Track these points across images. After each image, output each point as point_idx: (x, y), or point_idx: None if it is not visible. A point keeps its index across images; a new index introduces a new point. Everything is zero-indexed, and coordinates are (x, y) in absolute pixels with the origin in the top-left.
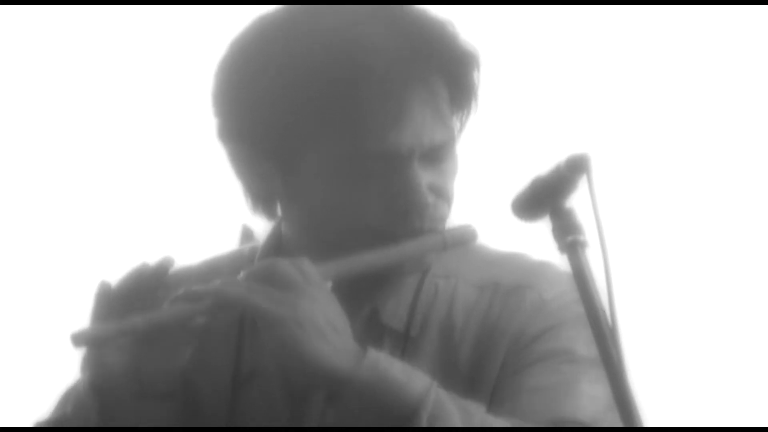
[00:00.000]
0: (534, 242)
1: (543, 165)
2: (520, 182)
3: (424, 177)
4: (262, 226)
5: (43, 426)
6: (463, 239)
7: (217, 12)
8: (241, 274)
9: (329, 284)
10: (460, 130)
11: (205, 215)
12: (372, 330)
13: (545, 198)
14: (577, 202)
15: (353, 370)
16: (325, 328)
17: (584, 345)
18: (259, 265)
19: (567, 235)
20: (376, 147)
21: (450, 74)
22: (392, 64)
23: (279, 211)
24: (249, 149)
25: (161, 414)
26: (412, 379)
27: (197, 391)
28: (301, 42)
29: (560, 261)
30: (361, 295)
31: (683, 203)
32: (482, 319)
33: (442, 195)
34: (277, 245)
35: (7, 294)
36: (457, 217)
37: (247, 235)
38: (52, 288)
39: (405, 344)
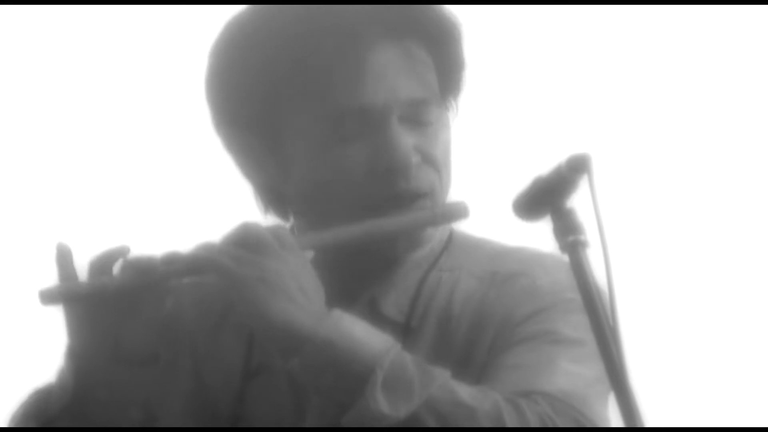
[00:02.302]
0: (534, 242)
1: (544, 165)
2: (520, 182)
3: (407, 137)
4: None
5: (38, 393)
6: (455, 215)
7: (217, 12)
8: (219, 238)
9: (310, 253)
10: (453, 105)
11: (206, 214)
12: (372, 320)
13: (546, 198)
14: (578, 202)
15: (314, 326)
16: (292, 290)
17: (570, 327)
18: (234, 228)
19: (568, 234)
20: (348, 103)
21: (433, 45)
22: (358, 22)
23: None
24: (239, 133)
25: (139, 379)
26: (373, 339)
27: (205, 383)
28: (279, 14)
29: None
30: (359, 283)
31: (683, 203)
32: (478, 306)
33: (429, 160)
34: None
35: (7, 291)
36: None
37: None
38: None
39: (405, 335)
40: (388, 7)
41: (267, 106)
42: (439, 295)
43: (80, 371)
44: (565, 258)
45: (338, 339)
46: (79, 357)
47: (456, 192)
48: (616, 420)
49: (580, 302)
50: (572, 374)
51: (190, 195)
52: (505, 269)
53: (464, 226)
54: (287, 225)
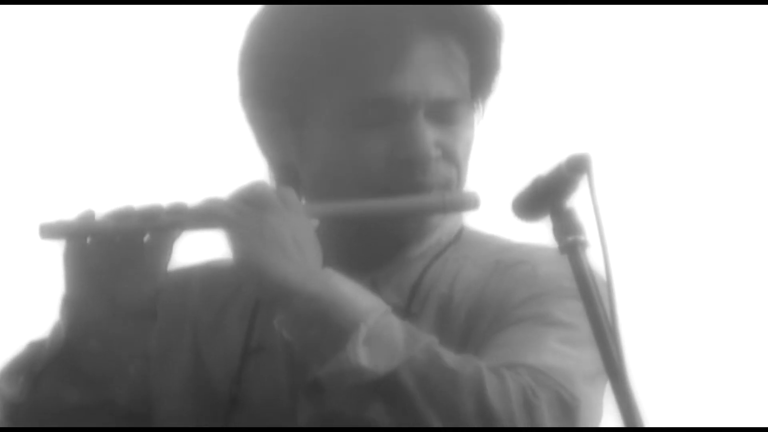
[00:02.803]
0: (535, 242)
1: (544, 165)
2: (520, 182)
3: (430, 132)
4: None
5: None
6: (464, 204)
7: (217, 12)
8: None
9: (315, 221)
10: (480, 106)
11: None
12: None
13: (546, 198)
14: (578, 202)
15: (304, 282)
16: (288, 246)
17: (563, 311)
18: (243, 185)
19: (568, 235)
20: (378, 91)
21: (471, 43)
22: (404, 13)
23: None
24: (263, 106)
25: (134, 333)
26: (361, 297)
27: (205, 360)
28: (318, 4)
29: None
30: (365, 264)
31: (683, 203)
32: (478, 293)
33: (450, 156)
34: None
35: (7, 288)
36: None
37: None
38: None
39: (404, 319)
40: (433, 4)
41: (297, 82)
42: (440, 281)
43: (75, 321)
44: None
45: (326, 293)
46: (75, 306)
47: (469, 163)
48: (614, 418)
49: (578, 290)
50: (559, 353)
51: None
52: (507, 258)
53: (471, 224)
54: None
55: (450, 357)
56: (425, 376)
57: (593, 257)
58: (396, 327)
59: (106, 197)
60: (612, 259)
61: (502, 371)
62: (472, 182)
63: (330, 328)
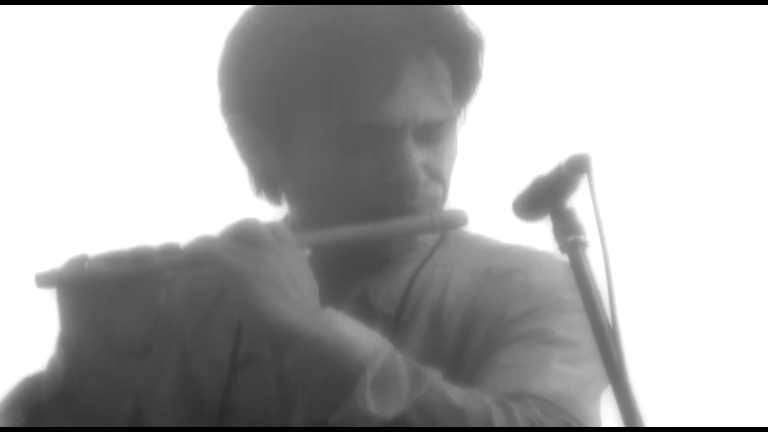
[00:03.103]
0: (535, 242)
1: (544, 165)
2: (520, 182)
3: (418, 154)
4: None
5: (27, 380)
6: (453, 222)
7: (217, 12)
8: (217, 232)
9: (307, 251)
10: (462, 114)
11: (208, 213)
12: (363, 314)
13: (546, 198)
14: (578, 202)
15: (306, 324)
16: (286, 285)
17: (564, 327)
18: (233, 222)
19: (568, 235)
20: (368, 118)
21: (453, 56)
22: (390, 36)
23: (282, 198)
24: (248, 120)
25: (130, 370)
26: (364, 338)
27: (193, 372)
28: (301, 15)
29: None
30: (351, 277)
31: (684, 203)
32: (471, 303)
33: (437, 176)
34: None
35: (7, 290)
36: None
37: None
38: None
39: (396, 328)
40: (414, 16)
41: (281, 101)
42: (431, 289)
43: (72, 361)
44: (562, 257)
45: (329, 336)
46: (72, 346)
47: (457, 192)
48: (614, 420)
49: (575, 302)
50: (563, 375)
51: (189, 194)
52: (500, 265)
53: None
54: (280, 211)
55: (456, 394)
56: (433, 416)
57: (593, 257)
58: (401, 367)
59: (106, 197)
60: (612, 259)
61: (510, 405)
62: (472, 183)
63: (335, 372)
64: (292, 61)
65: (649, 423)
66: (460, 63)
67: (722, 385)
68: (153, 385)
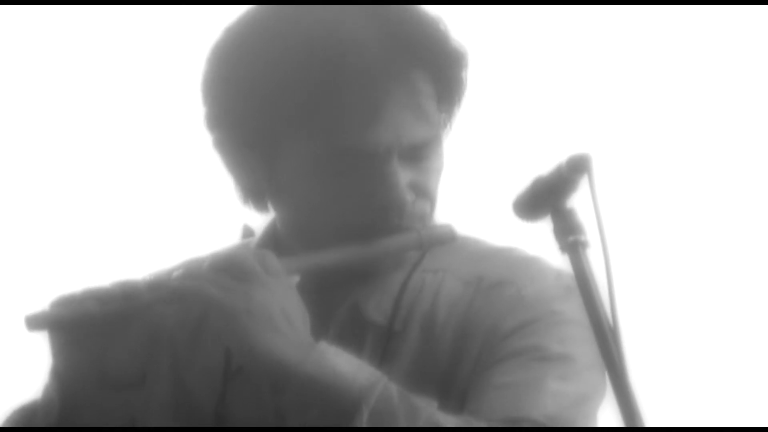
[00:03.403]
0: (535, 242)
1: (544, 165)
2: (521, 182)
3: (404, 175)
4: (261, 223)
5: (20, 412)
6: (440, 238)
7: (218, 12)
8: (204, 264)
9: (296, 278)
10: (447, 126)
11: (207, 214)
12: (354, 325)
13: (546, 198)
14: (578, 202)
15: (299, 362)
16: (278, 320)
17: (557, 342)
18: (221, 255)
19: (568, 235)
20: (353, 144)
21: (436, 71)
22: (372, 61)
23: (269, 206)
24: (234, 138)
25: (125, 402)
26: (358, 373)
27: (186, 385)
28: (287, 36)
29: (561, 261)
30: (342, 289)
31: (684, 203)
32: (463, 314)
33: (423, 193)
34: (273, 239)
35: (6, 295)
36: (457, 217)
37: (248, 234)
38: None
39: (388, 339)
40: (396, 37)
41: (265, 123)
42: (422, 298)
43: (66, 394)
44: (553, 262)
45: (323, 373)
46: (65, 380)
47: (457, 193)
48: (614, 420)
49: (568, 313)
50: (559, 395)
51: (189, 194)
52: (490, 275)
53: (460, 226)
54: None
55: (451, 424)
56: None
57: (594, 257)
58: (395, 400)
59: (106, 197)
60: (612, 259)
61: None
62: (473, 183)
63: (331, 410)
64: (276, 84)
65: (649, 423)
66: (443, 78)
67: (722, 385)
68: (147, 404)
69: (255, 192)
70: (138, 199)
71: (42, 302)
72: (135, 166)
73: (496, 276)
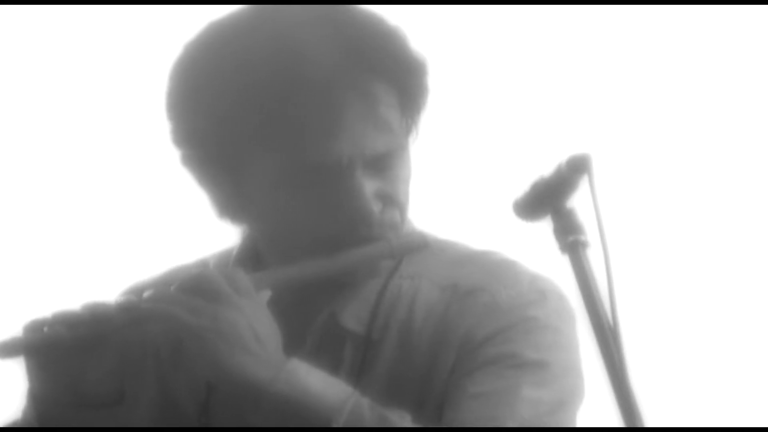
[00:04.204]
0: (534, 243)
1: (544, 165)
2: (521, 183)
3: (369, 185)
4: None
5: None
6: (411, 247)
7: (218, 12)
8: (173, 286)
9: (268, 293)
10: (413, 134)
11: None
12: (332, 335)
13: (546, 198)
14: (579, 202)
15: (270, 381)
16: (248, 339)
17: (532, 348)
18: (188, 276)
19: (568, 235)
20: (315, 158)
21: (396, 81)
22: (328, 73)
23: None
24: (199, 155)
25: (104, 419)
26: (330, 391)
27: (172, 395)
28: (244, 52)
29: (561, 261)
30: (317, 300)
31: (684, 203)
32: (438, 321)
33: (391, 201)
34: (253, 251)
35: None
36: (457, 218)
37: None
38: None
39: (366, 348)
40: (350, 47)
41: (227, 140)
42: (400, 305)
43: (44, 415)
44: (528, 266)
45: (294, 392)
46: (41, 402)
47: (457, 193)
48: (614, 420)
49: (543, 319)
50: (534, 402)
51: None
52: (466, 281)
53: (457, 226)
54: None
55: None
56: None
57: (594, 257)
58: (367, 416)
59: (106, 198)
60: (612, 259)
61: None
62: (473, 183)
63: (303, 428)
64: (234, 100)
65: (649, 423)
66: (404, 87)
67: (722, 385)
68: (129, 419)
69: (227, 207)
70: (138, 199)
71: (13, 327)
72: (135, 166)
73: (471, 282)
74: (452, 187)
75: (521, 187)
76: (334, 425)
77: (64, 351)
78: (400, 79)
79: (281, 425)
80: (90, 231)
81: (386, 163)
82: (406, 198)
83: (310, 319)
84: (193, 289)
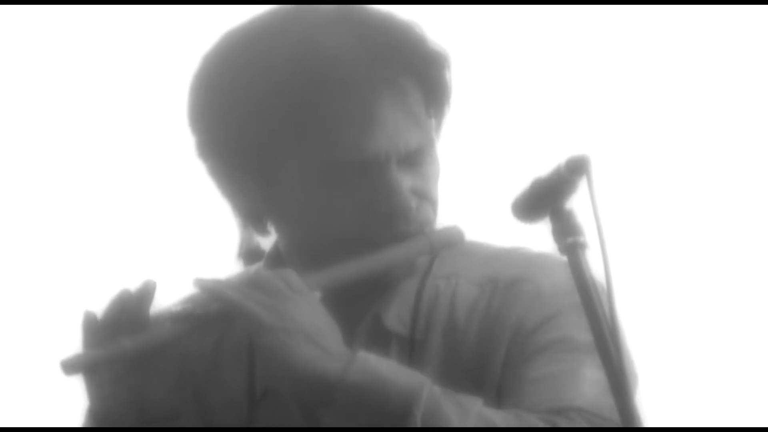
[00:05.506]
0: (534, 243)
1: (543, 166)
2: (520, 183)
3: (404, 180)
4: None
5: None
6: (450, 241)
7: (220, 12)
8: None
9: (318, 294)
10: (437, 130)
11: (207, 220)
12: (377, 336)
13: (545, 199)
14: (577, 203)
15: (343, 372)
16: (312, 333)
17: (584, 331)
18: (244, 277)
19: (567, 236)
20: (351, 155)
21: (420, 75)
22: (356, 70)
23: (270, 228)
24: (227, 164)
25: None
26: (404, 378)
27: (211, 413)
28: (266, 57)
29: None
30: (361, 301)
31: (683, 204)
32: (483, 316)
33: (426, 197)
34: (278, 263)
35: (4, 300)
36: (456, 218)
37: (246, 237)
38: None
39: (411, 348)
40: (379, 44)
41: (259, 145)
42: (439, 305)
43: None
44: (560, 257)
45: (369, 383)
46: (105, 421)
47: (457, 194)
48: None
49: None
50: (598, 382)
51: (191, 195)
52: (505, 274)
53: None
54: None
55: (501, 418)
56: None
57: (593, 258)
58: (443, 400)
59: (106, 199)
60: (611, 261)
61: (554, 420)
62: (472, 184)
63: (382, 417)
64: (264, 105)
65: (649, 423)
66: (428, 81)
67: (722, 385)
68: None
69: (254, 216)
70: (138, 199)
71: (71, 344)
72: (135, 166)
73: (511, 275)
74: (451, 188)
75: (520, 188)
76: (415, 410)
77: (127, 364)
78: (423, 73)
79: (355, 416)
80: (90, 231)
81: (418, 159)
82: (437, 196)
83: (355, 321)
84: (256, 285)
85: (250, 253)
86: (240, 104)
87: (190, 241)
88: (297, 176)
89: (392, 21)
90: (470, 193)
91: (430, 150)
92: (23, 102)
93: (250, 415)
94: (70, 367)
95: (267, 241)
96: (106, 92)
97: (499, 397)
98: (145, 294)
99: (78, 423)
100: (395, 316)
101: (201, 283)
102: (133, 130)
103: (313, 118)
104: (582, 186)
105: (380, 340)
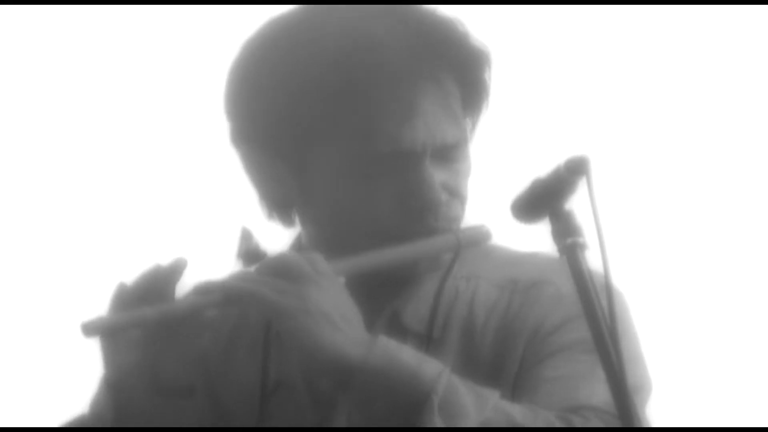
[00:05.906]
0: (533, 244)
1: (542, 167)
2: (519, 184)
3: (437, 175)
4: (276, 231)
5: (66, 426)
6: (477, 239)
7: (221, 12)
8: (254, 268)
9: (342, 279)
10: (472, 130)
11: (209, 217)
12: (394, 332)
13: (545, 200)
14: (577, 204)
15: (364, 357)
16: (335, 317)
17: None
18: (270, 257)
19: (566, 237)
20: (390, 145)
21: (461, 73)
22: (401, 62)
23: (296, 219)
24: (262, 152)
25: (177, 410)
26: (423, 365)
27: (223, 402)
28: (311, 44)
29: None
30: (380, 297)
31: (683, 204)
32: (502, 317)
33: (456, 194)
34: (298, 248)
35: (10, 296)
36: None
37: (246, 237)
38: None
39: (428, 347)
40: (421, 37)
41: (295, 133)
42: (458, 305)
43: (119, 402)
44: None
45: (389, 367)
46: (118, 388)
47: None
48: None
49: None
50: None
51: (192, 195)
52: (525, 277)
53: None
54: (290, 232)
55: (518, 412)
56: None
57: (592, 259)
58: (462, 389)
59: (106, 200)
60: (611, 261)
61: (570, 418)
62: (472, 184)
63: (400, 402)
64: (305, 93)
65: (649, 423)
66: (468, 80)
67: (722, 385)
68: (190, 418)
69: (282, 204)
70: (138, 199)
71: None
72: (135, 166)
73: (532, 277)
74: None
75: (519, 188)
76: (433, 397)
77: (146, 331)
78: (463, 70)
79: (374, 400)
80: (90, 231)
81: (452, 155)
82: (467, 194)
83: (373, 316)
84: (276, 270)
85: (249, 253)
86: (281, 89)
87: (190, 241)
88: (331, 165)
89: (437, 17)
90: (470, 193)
91: (464, 148)
92: (23, 102)
93: (261, 408)
94: (91, 329)
95: (267, 242)
96: (106, 92)
97: (514, 397)
98: (176, 269)
99: (93, 390)
100: (413, 314)
101: (206, 287)
102: (132, 130)
103: (354, 105)
104: (581, 186)
105: (397, 337)
